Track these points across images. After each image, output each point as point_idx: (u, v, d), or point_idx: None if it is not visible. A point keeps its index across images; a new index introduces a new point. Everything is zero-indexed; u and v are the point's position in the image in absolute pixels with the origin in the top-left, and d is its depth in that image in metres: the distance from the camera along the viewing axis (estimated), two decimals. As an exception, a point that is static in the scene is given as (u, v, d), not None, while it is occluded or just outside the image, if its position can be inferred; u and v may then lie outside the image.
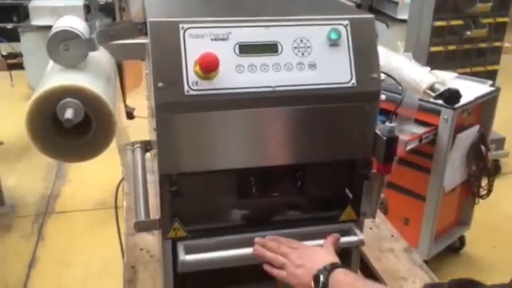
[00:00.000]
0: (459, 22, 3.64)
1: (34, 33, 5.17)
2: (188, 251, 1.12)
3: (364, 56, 1.11)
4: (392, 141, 1.12)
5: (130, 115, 1.61)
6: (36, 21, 5.15)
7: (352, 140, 1.15)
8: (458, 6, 3.59)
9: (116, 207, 1.81)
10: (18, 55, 5.57)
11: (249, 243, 1.15)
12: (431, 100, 1.44)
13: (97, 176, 3.59)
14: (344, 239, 1.21)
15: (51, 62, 1.13)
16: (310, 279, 1.05)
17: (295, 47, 1.08)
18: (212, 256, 1.13)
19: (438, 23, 3.55)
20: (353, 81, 1.09)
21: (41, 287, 2.82)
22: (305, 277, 1.07)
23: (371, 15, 1.14)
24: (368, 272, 1.47)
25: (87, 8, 5.27)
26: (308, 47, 1.09)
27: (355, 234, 1.22)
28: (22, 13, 5.80)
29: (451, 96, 1.20)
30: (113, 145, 1.12)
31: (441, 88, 1.22)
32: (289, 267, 1.09)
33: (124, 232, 1.63)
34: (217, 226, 1.18)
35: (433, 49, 3.61)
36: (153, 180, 1.32)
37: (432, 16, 3.49)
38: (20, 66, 5.44)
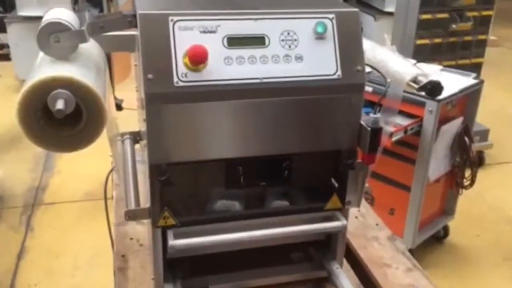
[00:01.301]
0: (444, 15, 3.68)
1: (21, 24, 5.13)
2: (177, 236, 1.15)
3: (349, 49, 1.14)
4: (376, 131, 1.15)
5: (118, 107, 1.63)
6: (23, 11, 5.11)
7: (338, 130, 1.18)
8: (444, -1, 3.64)
9: (105, 198, 1.83)
10: (4, 46, 5.53)
11: (237, 229, 1.18)
12: (415, 92, 1.47)
13: (85, 167, 3.60)
14: (328, 224, 1.24)
15: (41, 54, 1.14)
16: None
17: (282, 40, 1.11)
18: (200, 241, 1.16)
19: (424, 16, 3.59)
20: (339, 73, 1.12)
21: (30, 277, 2.83)
22: None
23: (356, 9, 1.17)
24: (354, 259, 1.51)
25: (75, -1, 5.24)
26: (295, 39, 1.11)
27: (338, 220, 1.25)
28: (8, 3, 5.74)
29: (433, 88, 1.23)
30: (101, 136, 1.14)
31: (424, 80, 1.26)
32: None
33: (113, 222, 1.65)
34: (205, 214, 1.21)
35: (419, 42, 3.65)
36: (142, 170, 1.35)
37: (418, 9, 3.53)
38: (7, 57, 5.40)
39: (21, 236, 3.16)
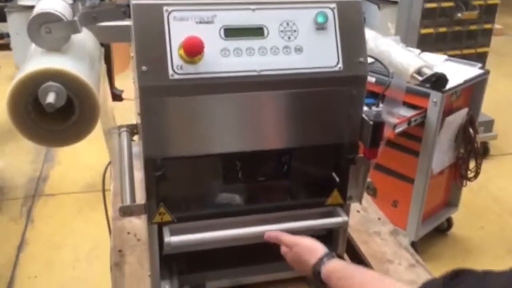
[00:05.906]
0: (450, 4, 3.61)
1: (21, 13, 5.08)
2: (174, 233, 1.12)
3: (351, 40, 1.10)
4: (378, 125, 1.11)
5: (118, 98, 1.60)
6: (23, 1, 5.06)
7: (339, 124, 1.15)
8: (449, -13, 3.57)
9: (103, 191, 1.80)
10: (4, 35, 5.48)
11: (235, 225, 1.15)
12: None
13: (86, 158, 3.57)
14: (329, 220, 1.21)
15: (33, 45, 1.11)
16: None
17: (282, 31, 1.07)
18: (197, 238, 1.13)
19: (429, 5, 3.52)
20: (340, 65, 1.09)
21: (30, 269, 2.82)
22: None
23: (358, -2, 1.13)
24: (355, 255, 1.48)
25: (74, -12, 5.18)
26: (295, 30, 1.07)
27: (339, 216, 1.22)
28: (8, -8, 5.68)
29: (438, 81, 1.20)
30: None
31: (428, 72, 1.22)
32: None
33: (111, 216, 1.62)
34: (202, 210, 1.18)
35: (424, 31, 3.59)
36: (139, 164, 1.32)
37: (423, -3, 3.47)
38: (7, 47, 5.35)
39: (21, 228, 3.14)
